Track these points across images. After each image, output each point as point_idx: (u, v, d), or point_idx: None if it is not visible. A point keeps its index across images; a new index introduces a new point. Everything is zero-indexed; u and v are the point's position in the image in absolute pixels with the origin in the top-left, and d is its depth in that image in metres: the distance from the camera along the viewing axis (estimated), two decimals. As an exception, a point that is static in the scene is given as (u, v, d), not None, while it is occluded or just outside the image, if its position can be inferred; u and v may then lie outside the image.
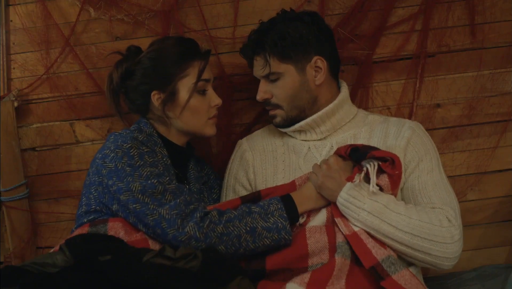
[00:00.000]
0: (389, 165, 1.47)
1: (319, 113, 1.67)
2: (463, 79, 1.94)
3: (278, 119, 1.70)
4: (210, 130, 1.69)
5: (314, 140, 1.71)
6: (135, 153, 1.52)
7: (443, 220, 1.49)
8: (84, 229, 1.50)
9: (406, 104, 1.95)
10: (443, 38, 1.92)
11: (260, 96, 1.68)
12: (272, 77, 1.65)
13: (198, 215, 1.45)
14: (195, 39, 1.73)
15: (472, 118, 1.95)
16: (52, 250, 1.41)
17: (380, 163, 1.47)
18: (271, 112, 1.71)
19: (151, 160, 1.53)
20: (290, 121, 1.70)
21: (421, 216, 1.48)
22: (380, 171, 1.48)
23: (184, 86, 1.63)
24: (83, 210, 1.57)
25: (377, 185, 1.47)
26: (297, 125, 1.69)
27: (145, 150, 1.55)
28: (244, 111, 1.97)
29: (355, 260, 1.46)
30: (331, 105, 1.67)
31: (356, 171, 1.50)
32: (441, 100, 1.95)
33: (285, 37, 1.62)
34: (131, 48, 1.71)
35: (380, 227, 1.46)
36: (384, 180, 1.49)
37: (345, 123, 1.71)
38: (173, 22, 1.92)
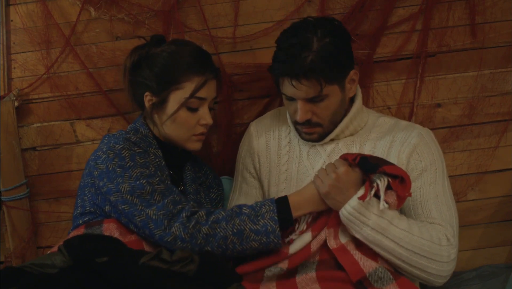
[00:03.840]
0: (399, 183, 1.43)
1: (338, 129, 1.63)
2: (463, 79, 1.94)
3: (315, 136, 1.63)
4: (192, 145, 1.65)
5: None
6: (127, 154, 1.51)
7: (442, 238, 1.47)
8: (80, 231, 1.50)
9: (407, 104, 1.95)
10: (444, 38, 1.91)
11: (302, 118, 1.56)
12: (318, 99, 1.55)
13: (184, 215, 1.43)
14: (206, 50, 1.69)
15: (473, 118, 1.95)
16: (50, 251, 1.42)
17: (390, 180, 1.43)
18: (309, 130, 1.61)
19: (142, 161, 1.52)
20: (324, 136, 1.64)
21: (422, 233, 1.45)
22: (387, 187, 1.44)
23: (175, 98, 1.60)
24: (78, 211, 1.57)
25: (385, 201, 1.43)
26: (326, 139, 1.64)
27: (137, 151, 1.54)
28: (244, 111, 1.97)
29: (337, 267, 1.44)
30: (346, 119, 1.63)
31: (367, 187, 1.44)
32: (442, 100, 1.95)
33: (334, 59, 1.51)
34: (154, 37, 1.67)
35: (382, 242, 1.43)
36: (392, 197, 1.44)
37: (357, 132, 1.66)
38: (173, 22, 1.92)
